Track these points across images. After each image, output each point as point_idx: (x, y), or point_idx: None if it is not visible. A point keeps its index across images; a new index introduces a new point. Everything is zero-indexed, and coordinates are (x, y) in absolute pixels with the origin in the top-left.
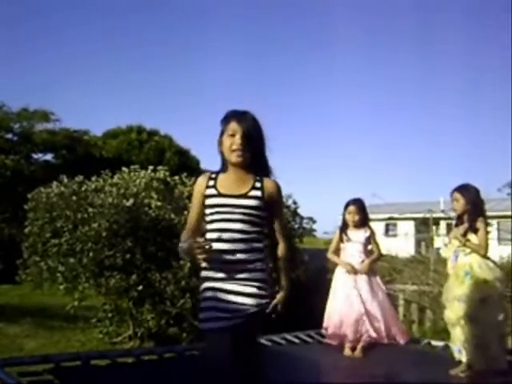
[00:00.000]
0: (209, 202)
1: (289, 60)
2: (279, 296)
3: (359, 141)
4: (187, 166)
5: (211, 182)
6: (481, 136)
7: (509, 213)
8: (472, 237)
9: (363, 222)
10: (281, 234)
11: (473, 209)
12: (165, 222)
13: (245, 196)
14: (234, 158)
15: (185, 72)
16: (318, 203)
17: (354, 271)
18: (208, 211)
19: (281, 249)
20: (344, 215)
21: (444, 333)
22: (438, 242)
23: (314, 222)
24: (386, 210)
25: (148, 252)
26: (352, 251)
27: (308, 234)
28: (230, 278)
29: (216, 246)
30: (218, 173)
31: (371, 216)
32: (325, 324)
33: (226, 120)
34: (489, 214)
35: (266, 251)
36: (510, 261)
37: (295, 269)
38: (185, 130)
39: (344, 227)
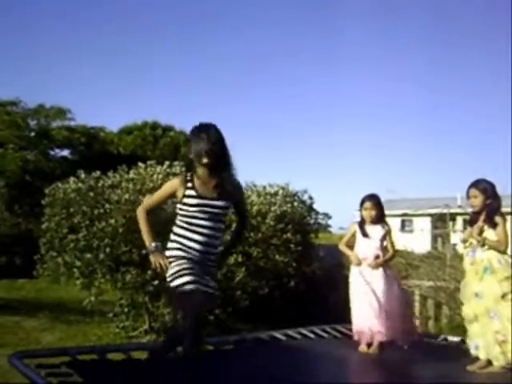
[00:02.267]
0: None
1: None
2: None
3: (375, 136)
4: None
5: None
6: (497, 131)
7: None
8: (490, 232)
9: (379, 217)
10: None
11: (491, 205)
12: None
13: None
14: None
15: (199, 68)
16: (333, 199)
17: (360, 263)
18: None
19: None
20: (361, 211)
21: (460, 329)
22: (455, 238)
23: (330, 217)
24: (402, 206)
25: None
26: (368, 247)
27: (323, 230)
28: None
29: None
30: None
31: (387, 212)
32: (354, 328)
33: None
34: (505, 209)
35: None
36: None
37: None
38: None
39: (362, 223)
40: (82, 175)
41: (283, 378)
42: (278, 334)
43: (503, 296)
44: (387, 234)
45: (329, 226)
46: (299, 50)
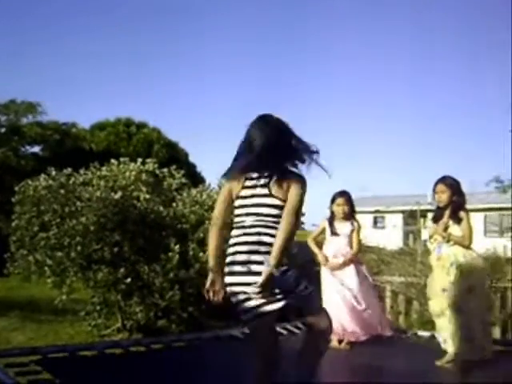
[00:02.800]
0: None
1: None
2: None
3: (347, 134)
4: (176, 158)
5: None
6: (469, 132)
7: (495, 205)
8: (455, 228)
9: (350, 214)
10: None
11: (457, 200)
12: (153, 214)
13: None
14: None
15: (173, 64)
16: (307, 196)
17: (327, 263)
18: None
19: None
20: (331, 207)
21: (430, 323)
22: (426, 234)
23: (303, 214)
24: (374, 203)
25: (136, 245)
26: (337, 244)
27: None
28: None
29: None
30: None
31: (359, 209)
32: None
33: None
34: (476, 206)
35: None
36: (495, 252)
37: None
38: (174, 123)
39: (331, 219)
40: (53, 172)
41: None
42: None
43: (469, 290)
44: (356, 230)
45: (302, 222)
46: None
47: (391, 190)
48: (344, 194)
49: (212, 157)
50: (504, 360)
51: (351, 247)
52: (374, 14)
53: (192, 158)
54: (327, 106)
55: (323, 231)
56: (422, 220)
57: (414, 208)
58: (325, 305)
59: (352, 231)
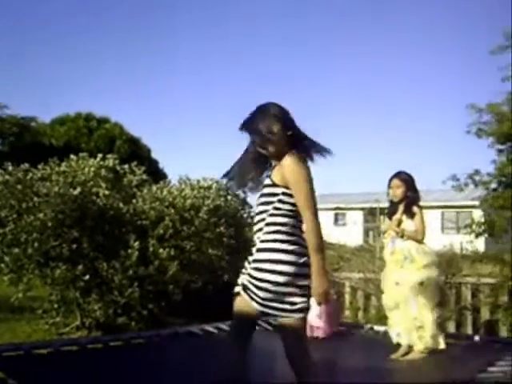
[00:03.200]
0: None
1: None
2: None
3: (310, 132)
4: (138, 154)
5: None
6: (425, 130)
7: (452, 203)
8: (409, 222)
9: None
10: None
11: (411, 196)
12: (113, 211)
13: None
14: None
15: (135, 58)
16: None
17: None
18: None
19: None
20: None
21: (387, 319)
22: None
23: None
24: (335, 200)
25: (95, 241)
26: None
27: None
28: None
29: None
30: None
31: (320, 206)
32: None
33: None
34: (433, 204)
35: None
36: (452, 248)
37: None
38: (136, 118)
39: None
40: (10, 167)
41: (212, 371)
42: (210, 328)
43: (421, 283)
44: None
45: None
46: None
47: (352, 187)
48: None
49: (175, 153)
50: (457, 353)
51: None
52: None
53: (154, 154)
54: (291, 102)
55: None
56: (381, 217)
57: (374, 205)
58: None
59: None
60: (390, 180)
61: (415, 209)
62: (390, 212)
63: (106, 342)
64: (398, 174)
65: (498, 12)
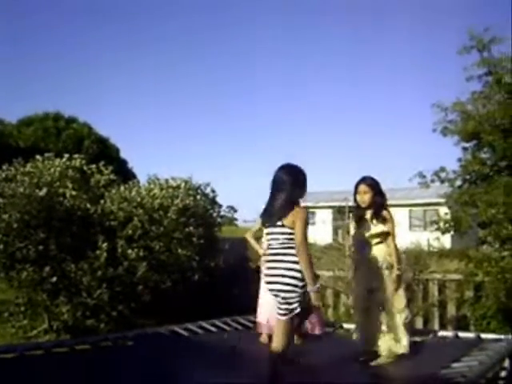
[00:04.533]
0: None
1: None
2: None
3: (279, 130)
4: (107, 154)
5: None
6: (393, 129)
7: (419, 201)
8: (380, 226)
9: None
10: None
11: (379, 200)
12: (80, 211)
13: None
14: None
15: (106, 59)
16: (240, 192)
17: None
18: None
19: None
20: None
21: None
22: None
23: (236, 211)
24: (305, 199)
25: (63, 243)
26: (273, 243)
27: (229, 223)
28: None
29: None
30: None
31: None
32: (257, 316)
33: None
34: (401, 202)
35: None
36: (419, 245)
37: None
38: (104, 118)
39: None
40: None
41: (180, 371)
42: (178, 329)
43: (391, 289)
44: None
45: (235, 219)
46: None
47: (321, 186)
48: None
49: (144, 153)
50: (423, 350)
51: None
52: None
53: (123, 154)
54: (259, 104)
55: (261, 228)
56: (350, 216)
57: (343, 204)
58: (260, 301)
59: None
60: (357, 185)
61: (385, 213)
62: (357, 216)
63: (72, 345)
64: (364, 180)
65: (464, 13)
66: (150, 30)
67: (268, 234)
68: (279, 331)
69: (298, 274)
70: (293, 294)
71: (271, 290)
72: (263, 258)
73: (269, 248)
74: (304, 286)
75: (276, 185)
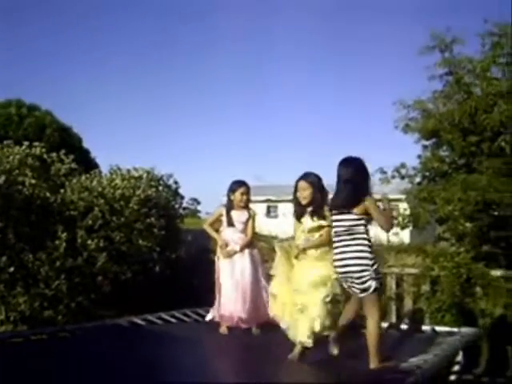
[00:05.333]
0: None
1: None
2: None
3: (241, 123)
4: (69, 143)
5: None
6: (355, 125)
7: (379, 197)
8: (318, 222)
9: (248, 203)
10: None
11: (319, 197)
12: (40, 200)
13: None
14: None
15: (68, 45)
16: (203, 184)
17: (225, 247)
18: None
19: None
20: (231, 196)
21: None
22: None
23: (199, 203)
24: (268, 192)
25: (21, 232)
26: (233, 232)
27: (192, 215)
28: None
29: None
30: None
31: (253, 198)
32: (218, 308)
33: None
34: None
35: None
36: (379, 240)
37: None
38: (67, 106)
39: (229, 208)
40: None
41: (139, 363)
42: (137, 320)
43: (317, 285)
44: (251, 218)
45: (198, 211)
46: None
47: (283, 179)
48: (245, 183)
49: (106, 142)
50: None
51: (247, 234)
52: None
53: (86, 144)
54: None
55: (219, 218)
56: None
57: None
58: (224, 292)
59: (248, 219)
60: (297, 182)
61: (325, 210)
62: (298, 214)
63: (28, 336)
64: (305, 176)
65: (427, 13)
66: (114, 15)
67: (335, 221)
68: (368, 308)
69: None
70: (365, 273)
71: (342, 273)
72: (229, 248)
73: (335, 235)
74: (374, 265)
75: (339, 178)
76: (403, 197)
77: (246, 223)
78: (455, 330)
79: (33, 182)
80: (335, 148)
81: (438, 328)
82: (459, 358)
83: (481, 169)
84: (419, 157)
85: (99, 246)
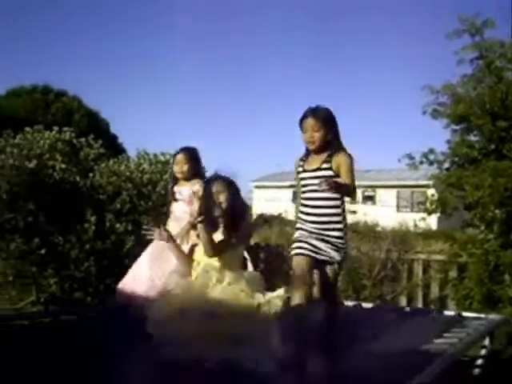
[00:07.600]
0: None
1: None
2: None
3: (268, 114)
4: (96, 128)
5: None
6: (383, 111)
7: (407, 183)
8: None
9: (194, 173)
10: None
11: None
12: (69, 184)
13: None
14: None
15: (96, 31)
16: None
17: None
18: None
19: None
20: (172, 167)
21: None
22: None
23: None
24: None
25: (51, 215)
26: (177, 211)
27: None
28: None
29: None
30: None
31: (279, 183)
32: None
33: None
34: (389, 183)
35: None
36: (406, 226)
37: None
38: (95, 92)
39: (174, 182)
40: None
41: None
42: None
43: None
44: (196, 193)
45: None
46: None
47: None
48: (185, 150)
49: (134, 127)
50: (405, 327)
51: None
52: None
53: (113, 129)
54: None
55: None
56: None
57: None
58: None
59: (192, 194)
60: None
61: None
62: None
63: (57, 316)
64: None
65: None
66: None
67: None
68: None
69: None
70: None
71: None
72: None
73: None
74: None
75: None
76: (431, 183)
77: (188, 200)
78: (482, 316)
79: (63, 166)
80: (363, 133)
81: (464, 313)
82: (486, 342)
83: (510, 155)
84: (448, 142)
85: (127, 229)
